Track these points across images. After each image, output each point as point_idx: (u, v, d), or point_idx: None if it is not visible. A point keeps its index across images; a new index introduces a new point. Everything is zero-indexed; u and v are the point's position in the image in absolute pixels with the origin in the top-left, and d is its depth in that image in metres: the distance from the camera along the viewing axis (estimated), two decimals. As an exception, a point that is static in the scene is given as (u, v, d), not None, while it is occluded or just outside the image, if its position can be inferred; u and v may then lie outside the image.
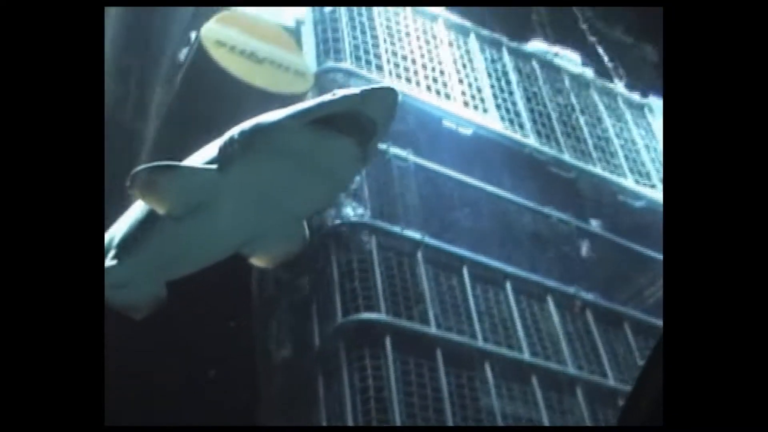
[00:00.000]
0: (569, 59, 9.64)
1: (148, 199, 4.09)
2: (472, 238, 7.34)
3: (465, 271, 6.95)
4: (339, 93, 3.89)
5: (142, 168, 3.98)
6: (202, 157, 4.14)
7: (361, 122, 3.82)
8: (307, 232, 4.38)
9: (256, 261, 4.48)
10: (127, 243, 4.30)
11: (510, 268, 7.22)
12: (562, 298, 7.32)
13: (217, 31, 7.43)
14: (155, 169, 4.02)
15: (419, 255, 6.82)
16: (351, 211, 6.85)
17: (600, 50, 10.20)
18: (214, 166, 4.00)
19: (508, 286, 7.11)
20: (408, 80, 8.01)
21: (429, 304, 6.51)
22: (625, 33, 10.96)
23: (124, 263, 4.26)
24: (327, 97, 3.90)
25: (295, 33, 8.09)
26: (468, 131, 8.08)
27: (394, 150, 7.41)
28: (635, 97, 9.82)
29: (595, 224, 8.18)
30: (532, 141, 8.26)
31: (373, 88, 3.97)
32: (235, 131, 3.98)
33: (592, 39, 10.38)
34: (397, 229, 6.90)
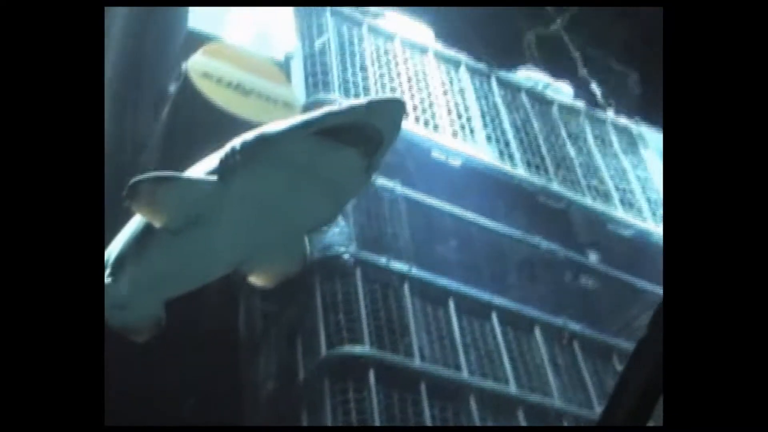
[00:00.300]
0: (560, 90, 9.66)
1: (146, 212, 3.97)
2: (460, 269, 7.31)
3: (451, 303, 6.91)
4: (344, 103, 3.82)
5: (139, 179, 3.86)
6: (202, 168, 4.02)
7: (367, 133, 3.71)
8: (308, 249, 4.27)
9: (255, 279, 4.35)
10: (122, 259, 4.17)
11: (497, 300, 7.19)
12: (549, 329, 7.27)
13: (204, 63, 7.46)
14: (153, 179, 3.92)
15: (405, 287, 6.80)
16: (337, 243, 6.83)
17: (591, 80, 10.23)
18: (214, 177, 3.87)
19: (495, 317, 7.06)
20: (397, 112, 8.01)
21: (414, 336, 6.47)
22: (616, 61, 11.01)
23: (121, 281, 4.12)
24: (332, 107, 3.82)
25: (285, 66, 8.13)
26: (457, 162, 8.08)
27: (382, 181, 7.40)
28: (626, 126, 9.82)
29: (584, 254, 8.14)
30: (521, 171, 8.25)
31: (379, 99, 3.95)
32: (236, 141, 3.87)
33: (583, 69, 10.42)
34: (383, 260, 6.88)
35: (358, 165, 3.77)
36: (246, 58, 7.73)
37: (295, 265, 4.34)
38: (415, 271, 6.92)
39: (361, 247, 6.87)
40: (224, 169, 3.84)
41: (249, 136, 3.85)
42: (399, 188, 7.48)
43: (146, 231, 4.09)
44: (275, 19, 8.30)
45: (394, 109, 3.81)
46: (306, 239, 4.25)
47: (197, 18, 7.95)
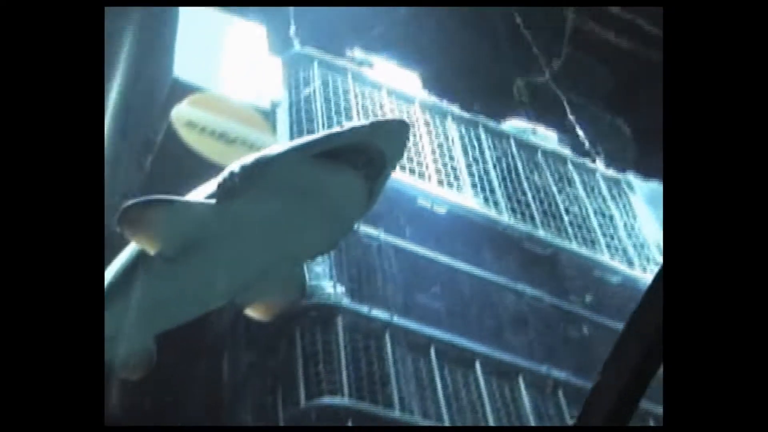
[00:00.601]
0: (546, 137, 9.70)
1: (139, 237, 3.79)
2: (443, 317, 7.27)
3: (433, 351, 6.86)
4: (347, 125, 3.69)
5: (133, 203, 3.73)
6: (200, 193, 3.89)
7: (370, 155, 3.59)
8: (307, 278, 4.15)
9: (253, 311, 4.21)
10: (114, 288, 3.97)
11: (480, 348, 7.13)
12: (533, 377, 7.19)
13: (188, 112, 7.52)
14: (147, 202, 3.77)
15: (387, 336, 6.75)
16: (319, 291, 6.81)
17: (578, 127, 10.28)
18: (212, 201, 3.73)
19: (478, 366, 7.00)
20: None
21: (394, 386, 6.41)
22: (603, 108, 11.08)
23: (111, 310, 3.69)
24: (334, 129, 3.71)
25: (270, 115, 8.18)
26: (442, 209, 8.09)
27: (366, 228, 7.40)
28: (613, 173, 9.83)
29: (570, 301, 8.09)
30: (506, 218, 8.24)
31: (382, 120, 3.82)
32: (235, 165, 3.75)
33: (571, 117, 10.48)
34: (365, 309, 6.84)
35: (360, 189, 3.64)
36: (231, 108, 7.78)
37: (293, 296, 4.21)
38: (397, 320, 6.88)
39: (344, 295, 6.85)
40: (222, 192, 3.71)
41: (248, 159, 3.73)
42: (383, 235, 7.47)
43: (139, 259, 3.95)
44: (262, 68, 8.38)
45: (397, 131, 3.69)
46: (305, 268, 4.12)
47: (184, 68, 8.03)
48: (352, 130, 3.64)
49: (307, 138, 3.78)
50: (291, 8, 9.26)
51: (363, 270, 7.17)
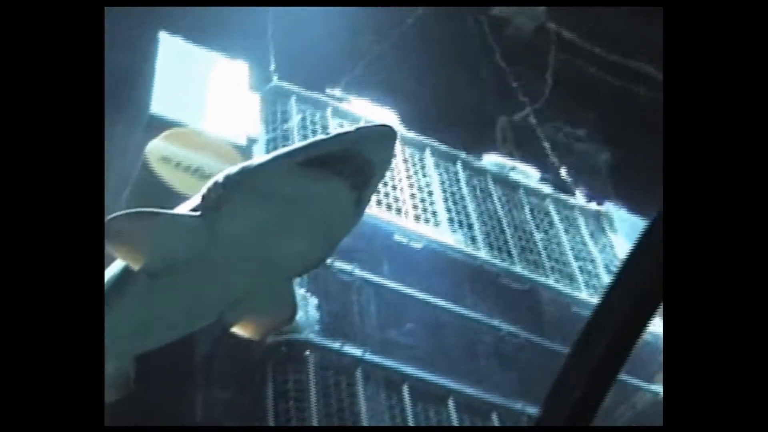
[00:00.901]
0: (525, 173, 9.71)
1: (123, 251, 3.71)
2: (417, 354, 7.22)
3: (405, 388, 6.80)
4: (333, 131, 3.65)
5: (116, 215, 3.66)
6: (185, 207, 3.86)
7: (356, 164, 3.50)
8: (296, 295, 4.09)
9: (242, 330, 4.12)
10: None
11: (453, 384, 7.06)
12: (507, 414, 7.13)
13: (163, 147, 7.55)
14: (130, 215, 3.72)
15: (358, 372, 6.69)
16: (291, 327, 6.75)
17: (559, 164, 10.33)
18: (196, 213, 3.68)
19: (452, 403, 6.94)
20: (359, 196, 8.04)
21: (365, 423, 6.34)
22: (586, 142, 11.15)
23: None
24: (320, 136, 3.65)
25: (247, 151, 8.18)
26: (419, 245, 8.07)
27: (340, 263, 7.37)
28: (594, 209, 9.83)
29: (547, 337, 8.04)
30: (483, 254, 8.22)
31: (369, 125, 3.68)
32: (219, 175, 3.70)
33: (552, 153, 10.53)
34: (337, 345, 6.80)
35: (347, 198, 3.56)
36: (206, 143, 7.81)
37: (284, 314, 4.12)
38: (369, 356, 6.82)
39: (316, 331, 6.80)
40: (206, 203, 3.66)
41: (232, 168, 3.68)
42: (357, 271, 7.44)
43: (122, 276, 3.87)
44: (241, 103, 8.41)
45: (384, 137, 3.58)
46: (294, 285, 4.04)
47: (161, 103, 8.05)
48: (337, 136, 3.59)
49: (291, 146, 3.73)
50: (272, 44, 9.34)
51: (336, 305, 7.13)
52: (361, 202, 3.66)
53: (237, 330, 4.14)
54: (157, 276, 3.75)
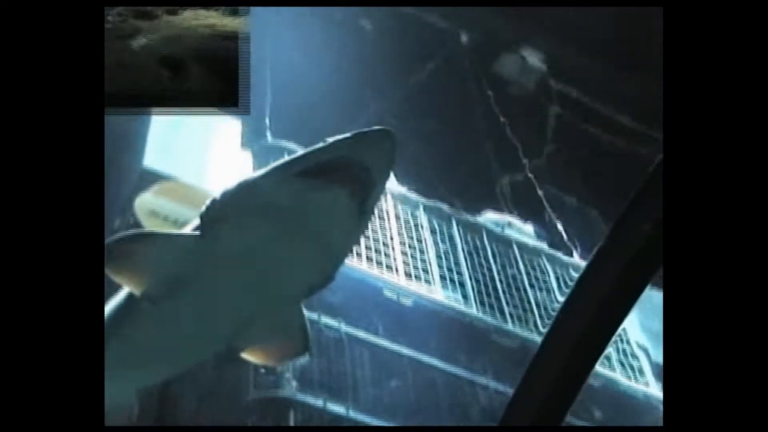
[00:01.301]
0: (521, 230, 9.65)
1: (123, 274, 3.60)
2: (403, 410, 7.07)
3: (389, 446, 6.66)
4: (329, 139, 3.51)
5: (114, 238, 3.61)
6: (185, 229, 3.79)
7: (354, 171, 3.42)
8: (306, 320, 3.90)
9: (253, 357, 3.99)
10: None
11: (440, 441, 6.92)
12: (495, 476, 6.93)
13: (151, 201, 7.56)
14: (129, 237, 3.66)
15: None
16: (274, 384, 6.66)
17: (555, 221, 10.26)
18: (196, 233, 3.60)
19: (438, 462, 6.78)
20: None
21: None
22: (583, 200, 11.11)
23: None
24: (317, 145, 3.54)
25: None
26: (408, 301, 7.98)
27: (326, 319, 7.28)
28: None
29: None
30: (474, 311, 8.11)
31: (365, 130, 3.54)
32: (216, 193, 3.64)
33: (550, 211, 10.48)
34: (320, 402, 6.67)
35: (349, 208, 3.46)
36: (195, 196, 7.78)
37: (295, 340, 3.96)
38: (353, 413, 6.69)
39: (300, 387, 6.68)
40: (205, 222, 3.57)
41: (230, 184, 3.61)
42: (344, 326, 7.35)
43: (123, 305, 3.78)
44: (229, 155, 8.45)
45: (381, 141, 3.48)
46: (303, 309, 3.89)
47: (152, 157, 8.09)
48: (334, 143, 3.50)
49: (287, 157, 3.65)
50: (269, 100, 9.41)
51: (322, 362, 7.02)
52: (364, 210, 3.56)
53: (247, 356, 4.00)
54: (158, 301, 3.65)
